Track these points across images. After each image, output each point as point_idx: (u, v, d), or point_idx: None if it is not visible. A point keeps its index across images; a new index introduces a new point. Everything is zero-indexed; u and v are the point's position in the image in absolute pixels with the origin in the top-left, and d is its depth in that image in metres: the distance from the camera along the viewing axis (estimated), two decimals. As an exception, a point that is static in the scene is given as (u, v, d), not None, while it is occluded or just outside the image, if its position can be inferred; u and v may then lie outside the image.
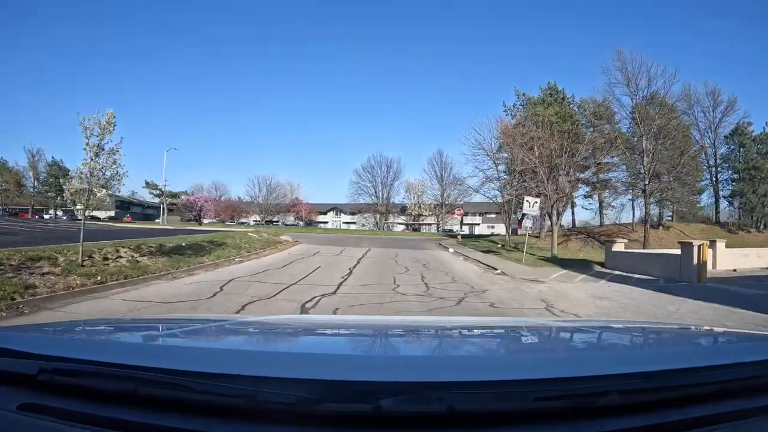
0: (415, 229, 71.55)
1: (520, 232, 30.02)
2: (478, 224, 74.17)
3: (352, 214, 77.89)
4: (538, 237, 30.13)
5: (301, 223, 77.51)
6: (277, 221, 79.37)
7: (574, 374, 0.73)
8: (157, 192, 61.31)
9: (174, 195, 62.49)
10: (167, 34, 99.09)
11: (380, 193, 74.62)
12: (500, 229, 79.46)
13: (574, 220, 29.51)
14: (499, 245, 25.49)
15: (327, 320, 2.69)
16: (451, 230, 69.05)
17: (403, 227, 73.04)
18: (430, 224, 71.06)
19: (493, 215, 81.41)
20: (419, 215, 72.80)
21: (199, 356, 0.89)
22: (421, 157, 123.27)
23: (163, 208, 53.85)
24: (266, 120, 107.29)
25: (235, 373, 0.71)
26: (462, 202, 77.09)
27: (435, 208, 72.77)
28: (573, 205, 29.66)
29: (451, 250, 23.09)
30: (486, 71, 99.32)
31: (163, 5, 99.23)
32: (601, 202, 35.92)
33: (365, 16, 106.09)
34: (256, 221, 72.65)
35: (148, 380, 0.74)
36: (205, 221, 55.89)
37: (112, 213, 58.25)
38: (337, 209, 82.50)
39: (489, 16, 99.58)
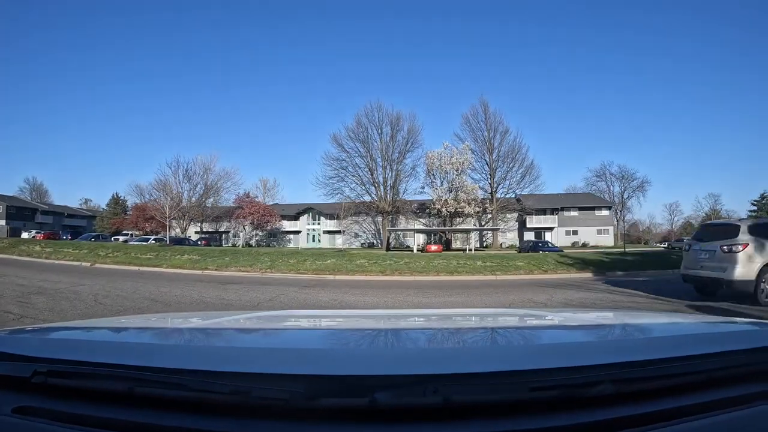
0: (446, 244, 40.16)
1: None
2: (552, 228, 42.89)
3: (337, 218, 47.52)
4: None
5: (259, 234, 48.25)
6: (228, 233, 50.47)
7: (568, 364, 0.74)
8: None
9: None
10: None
11: (381, 177, 42.09)
12: (586, 235, 47.37)
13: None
14: None
15: (320, 314, 2.68)
16: (550, 244, 31.72)
17: (422, 239, 41.33)
18: (467, 230, 39.84)
19: (576, 212, 45.07)
20: (455, 214, 40.15)
21: (193, 354, 0.91)
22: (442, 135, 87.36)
23: None
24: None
25: (229, 370, 0.71)
26: (515, 195, 42.80)
27: (484, 201, 40.38)
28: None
29: None
30: None
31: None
32: None
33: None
34: (201, 236, 43.40)
35: (142, 380, 0.74)
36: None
37: None
38: (314, 212, 52.09)
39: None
